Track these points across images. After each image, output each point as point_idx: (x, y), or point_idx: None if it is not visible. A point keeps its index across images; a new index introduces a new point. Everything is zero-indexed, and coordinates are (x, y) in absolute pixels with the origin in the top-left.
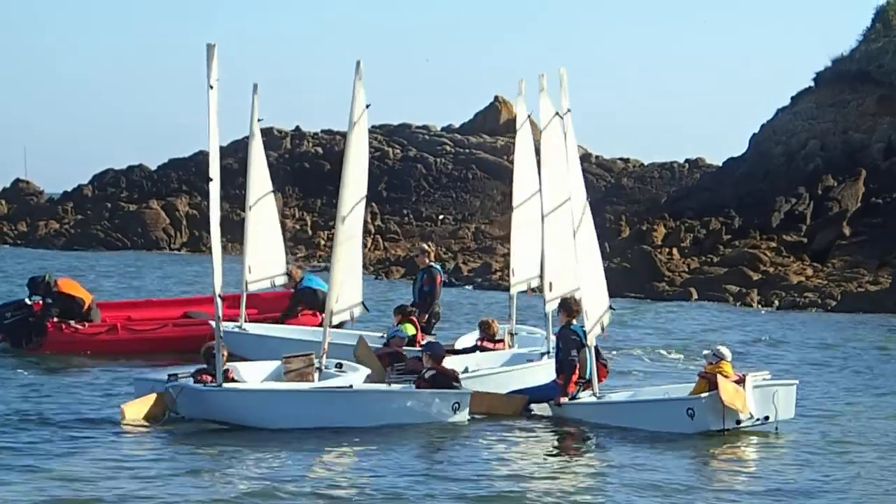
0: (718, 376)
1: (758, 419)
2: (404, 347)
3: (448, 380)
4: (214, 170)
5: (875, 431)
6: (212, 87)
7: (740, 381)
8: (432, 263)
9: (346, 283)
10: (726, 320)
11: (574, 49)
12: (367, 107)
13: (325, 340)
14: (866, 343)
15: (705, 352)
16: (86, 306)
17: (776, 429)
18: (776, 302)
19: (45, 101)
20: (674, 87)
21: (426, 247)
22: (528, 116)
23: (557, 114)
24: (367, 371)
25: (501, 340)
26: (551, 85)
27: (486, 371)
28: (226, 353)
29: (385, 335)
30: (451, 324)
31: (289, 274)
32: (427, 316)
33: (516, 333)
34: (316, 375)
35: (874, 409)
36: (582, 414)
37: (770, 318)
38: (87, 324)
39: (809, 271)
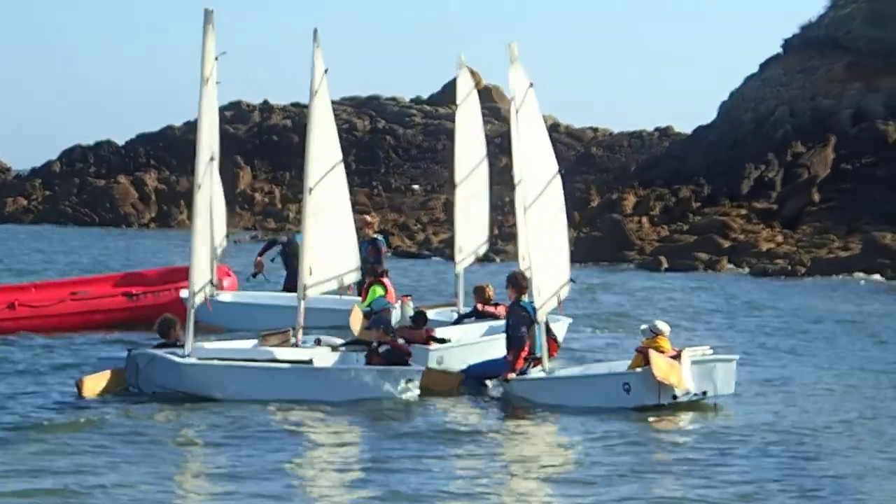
0: (650, 351)
1: (696, 394)
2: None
3: (402, 356)
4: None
5: (825, 403)
6: (216, 59)
7: (677, 356)
8: (376, 235)
9: (331, 255)
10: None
11: (543, 19)
12: (326, 71)
13: (301, 315)
14: (833, 310)
15: (643, 327)
16: None
17: (715, 405)
18: (746, 269)
19: (11, 77)
20: (643, 57)
21: (369, 218)
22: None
23: (531, 84)
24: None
25: (498, 304)
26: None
27: (470, 341)
28: (178, 328)
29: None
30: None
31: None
32: None
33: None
34: None
35: (830, 380)
36: (527, 390)
37: (745, 284)
38: None
39: (779, 238)
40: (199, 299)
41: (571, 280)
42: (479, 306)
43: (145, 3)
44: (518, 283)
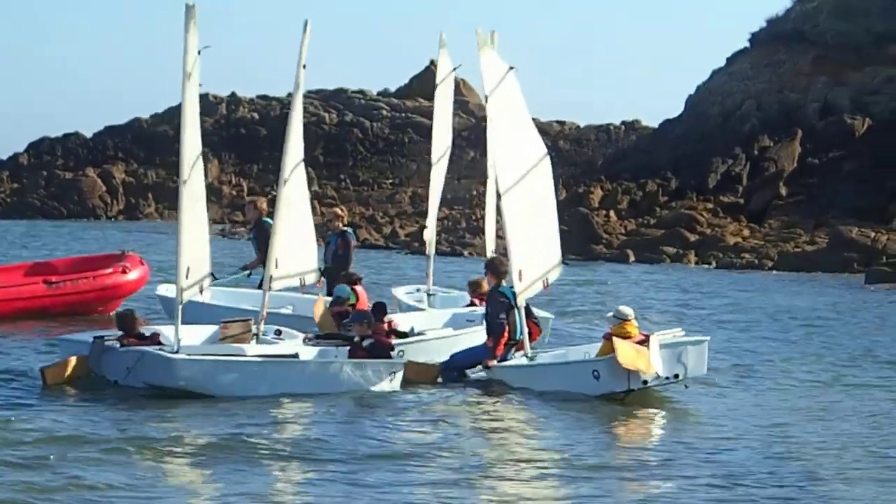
0: (615, 339)
1: (666, 378)
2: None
3: (385, 350)
4: (186, 164)
5: (794, 392)
6: (199, 53)
7: (645, 341)
8: (345, 228)
9: (294, 249)
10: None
11: (507, 12)
12: (304, 67)
13: (264, 307)
14: (798, 303)
15: (608, 314)
16: None
17: (685, 387)
18: (713, 262)
19: None
20: (609, 50)
21: (339, 211)
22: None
23: (511, 67)
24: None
25: None
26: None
27: (433, 335)
28: (141, 320)
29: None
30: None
31: (253, 205)
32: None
33: (433, 294)
34: (253, 341)
35: (797, 369)
36: (505, 376)
37: (710, 278)
38: None
39: (746, 232)
40: (187, 295)
41: (564, 262)
42: (476, 301)
43: None
44: (497, 268)
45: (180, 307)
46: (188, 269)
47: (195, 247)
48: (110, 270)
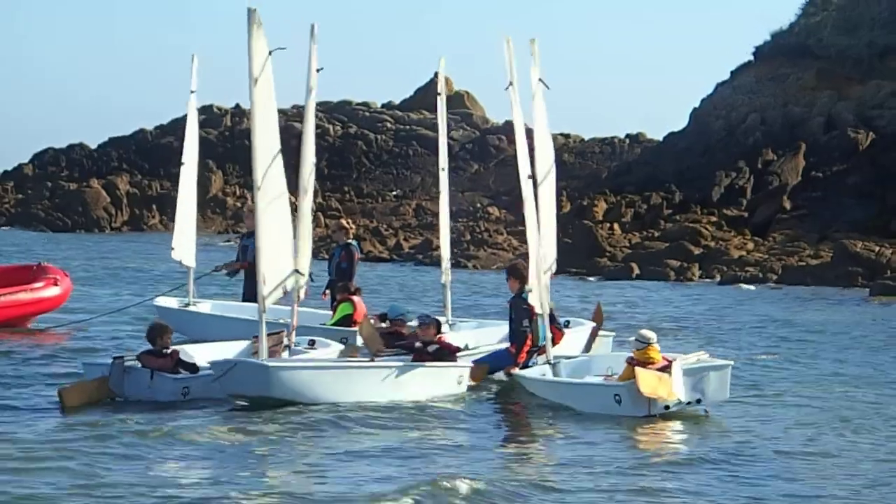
0: (636, 369)
1: (688, 402)
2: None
3: (451, 354)
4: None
5: (812, 413)
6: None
7: (667, 367)
8: (350, 241)
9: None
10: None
11: (514, 22)
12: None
13: (294, 317)
14: (805, 319)
15: (632, 338)
16: None
17: (705, 411)
18: (717, 276)
19: None
20: (613, 62)
21: (344, 223)
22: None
23: (541, 80)
24: (340, 347)
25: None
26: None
27: (486, 344)
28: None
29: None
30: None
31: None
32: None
33: (453, 324)
34: (285, 354)
35: (816, 387)
36: (529, 386)
37: (714, 293)
38: None
39: (750, 245)
40: (269, 302)
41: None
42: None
43: (118, 3)
44: (520, 273)
45: (264, 316)
46: (265, 276)
47: (274, 251)
48: (42, 283)
